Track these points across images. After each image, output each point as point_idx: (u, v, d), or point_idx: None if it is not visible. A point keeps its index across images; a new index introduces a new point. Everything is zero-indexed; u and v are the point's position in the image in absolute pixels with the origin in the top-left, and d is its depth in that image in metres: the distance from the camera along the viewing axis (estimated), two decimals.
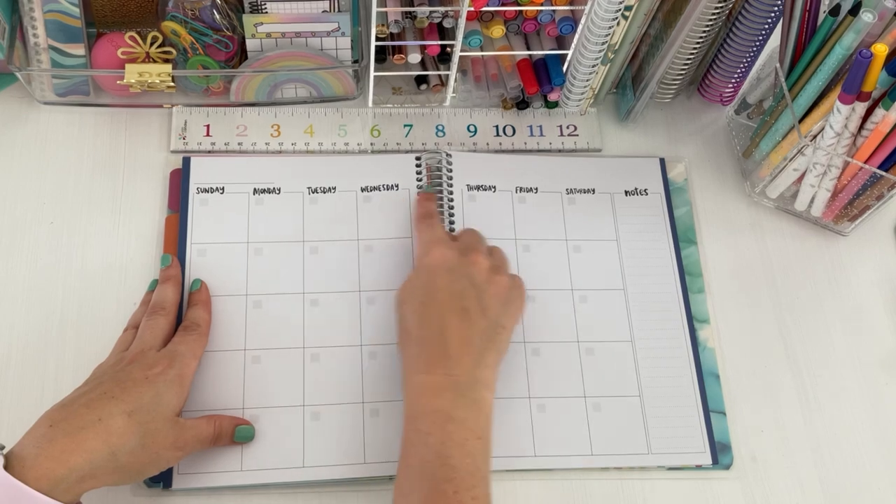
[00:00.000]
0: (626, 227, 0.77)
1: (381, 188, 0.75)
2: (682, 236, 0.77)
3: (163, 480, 0.63)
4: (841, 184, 0.75)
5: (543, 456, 0.67)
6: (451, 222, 0.74)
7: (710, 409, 0.70)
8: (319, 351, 0.68)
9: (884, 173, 0.71)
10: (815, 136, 0.72)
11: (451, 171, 0.77)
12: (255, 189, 0.74)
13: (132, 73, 0.74)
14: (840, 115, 0.69)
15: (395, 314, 0.66)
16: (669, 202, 0.78)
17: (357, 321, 0.70)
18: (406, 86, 0.82)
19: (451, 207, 0.75)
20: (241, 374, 0.67)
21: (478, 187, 0.76)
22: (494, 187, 0.77)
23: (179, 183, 0.74)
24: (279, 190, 0.75)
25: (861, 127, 0.70)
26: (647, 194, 0.78)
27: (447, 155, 0.77)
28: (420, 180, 0.76)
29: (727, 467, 0.69)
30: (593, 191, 0.78)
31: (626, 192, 0.78)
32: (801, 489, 0.69)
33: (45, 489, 0.52)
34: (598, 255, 0.75)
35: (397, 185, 0.76)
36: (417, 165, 0.77)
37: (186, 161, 0.75)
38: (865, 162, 0.71)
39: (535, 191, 0.77)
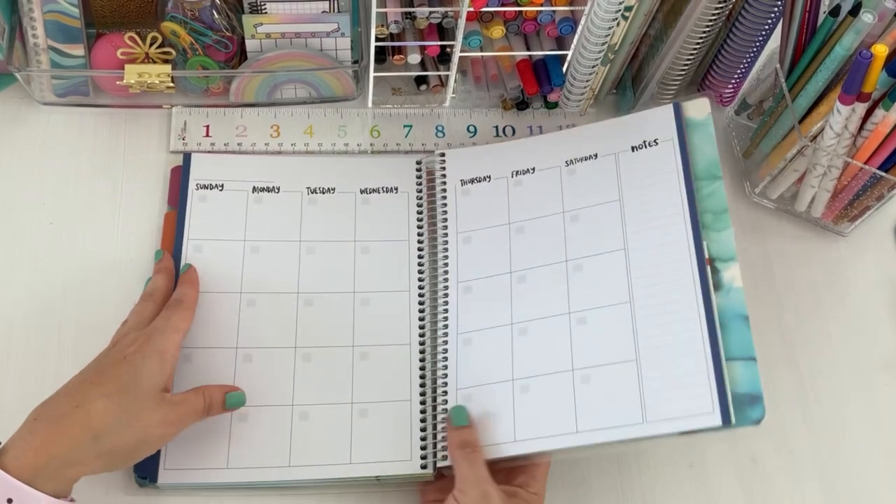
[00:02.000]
0: (630, 183, 0.70)
1: (381, 190, 0.75)
2: (704, 173, 0.69)
3: (148, 475, 0.63)
4: (841, 184, 0.75)
5: (523, 440, 0.63)
6: (444, 218, 0.73)
7: (735, 356, 0.61)
8: (311, 351, 0.68)
9: (884, 174, 0.71)
10: (815, 137, 0.72)
11: (444, 170, 0.75)
12: (254, 187, 0.74)
13: (132, 73, 0.74)
14: (840, 116, 0.69)
15: None
16: (683, 146, 0.70)
17: (350, 322, 0.69)
18: (406, 86, 0.82)
19: (444, 206, 0.73)
20: (232, 372, 0.67)
21: (472, 180, 0.74)
22: (489, 177, 0.74)
23: (179, 179, 0.74)
24: (278, 189, 0.74)
25: (861, 127, 0.70)
26: (657, 144, 0.71)
27: (440, 156, 0.76)
28: (420, 184, 0.76)
29: (757, 422, 0.59)
30: (595, 156, 0.72)
31: (633, 148, 0.72)
32: (801, 489, 0.69)
33: (27, 478, 0.52)
34: (598, 219, 0.70)
35: (397, 188, 0.75)
36: (418, 170, 0.76)
37: (187, 158, 0.75)
38: (865, 162, 0.71)
39: (531, 171, 0.73)
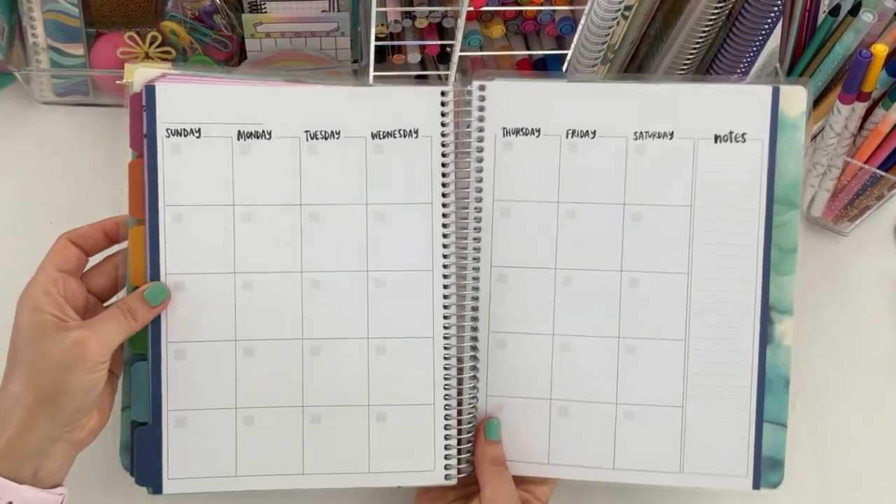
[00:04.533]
0: (704, 187, 0.59)
1: (397, 134, 0.60)
2: (782, 196, 0.59)
3: (152, 485, 0.59)
4: (841, 184, 0.75)
5: (557, 465, 0.61)
6: (479, 178, 0.60)
7: (769, 419, 0.60)
8: (320, 343, 0.59)
9: (884, 173, 0.71)
10: (815, 137, 0.72)
11: (482, 110, 0.60)
12: (239, 132, 0.59)
13: (131, 73, 0.74)
14: (840, 116, 0.69)
15: None
16: (773, 153, 0.59)
17: (363, 308, 0.60)
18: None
19: (480, 161, 0.60)
20: (232, 368, 0.59)
21: (517, 131, 0.60)
22: (538, 130, 0.60)
23: (141, 115, 0.59)
24: (269, 134, 0.59)
25: (861, 127, 0.70)
26: (743, 141, 0.59)
27: (479, 89, 0.60)
28: (445, 124, 0.60)
29: (775, 486, 0.62)
30: (671, 135, 0.59)
31: (717, 138, 0.59)
32: (801, 489, 0.69)
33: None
34: (663, 225, 0.60)
35: (416, 132, 0.60)
36: (443, 103, 0.60)
37: (150, 91, 0.59)
38: (865, 162, 0.71)
39: (591, 135, 0.60)
